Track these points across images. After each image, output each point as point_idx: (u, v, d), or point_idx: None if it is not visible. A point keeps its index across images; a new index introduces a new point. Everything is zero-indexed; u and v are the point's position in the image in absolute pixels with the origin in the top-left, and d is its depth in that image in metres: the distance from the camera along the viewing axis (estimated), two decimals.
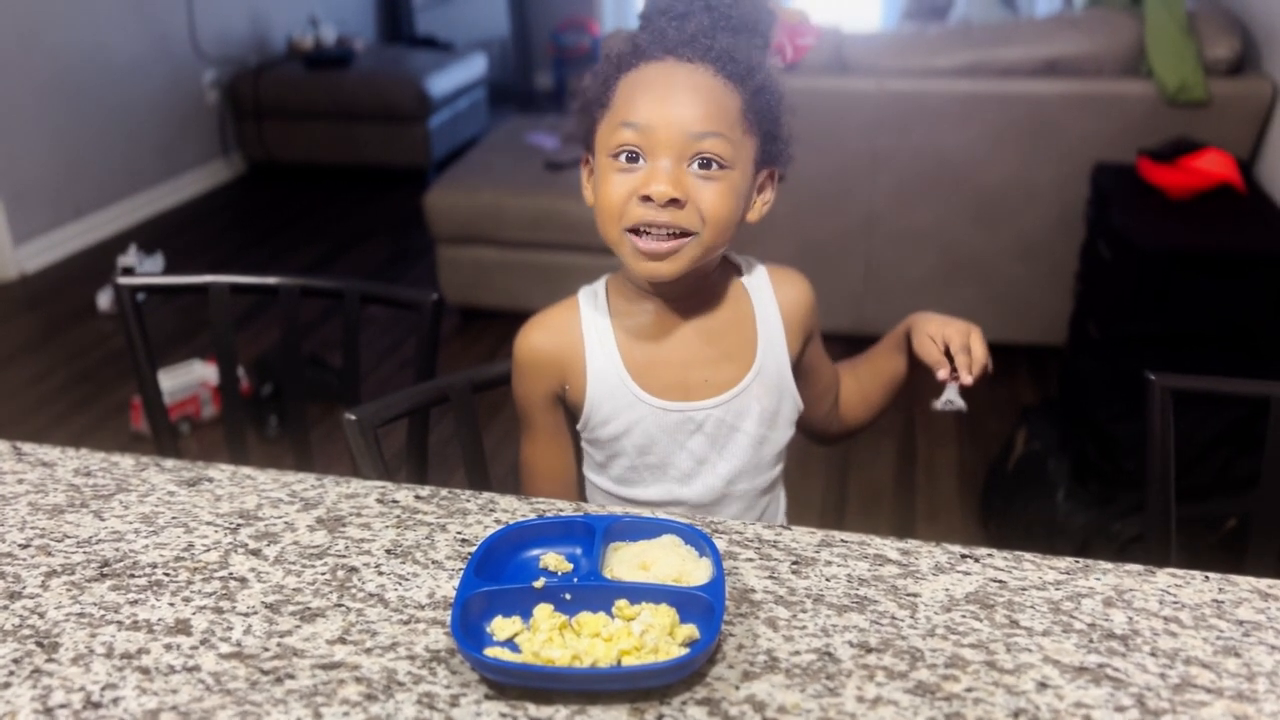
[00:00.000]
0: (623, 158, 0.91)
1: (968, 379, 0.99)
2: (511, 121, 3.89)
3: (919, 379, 1.11)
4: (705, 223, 0.91)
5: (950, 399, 0.99)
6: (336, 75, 4.68)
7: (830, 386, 1.14)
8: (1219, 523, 1.94)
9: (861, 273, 2.99)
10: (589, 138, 0.96)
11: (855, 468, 2.51)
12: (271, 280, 1.27)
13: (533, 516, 0.90)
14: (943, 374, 0.99)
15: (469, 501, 0.93)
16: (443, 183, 3.21)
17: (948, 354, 1.01)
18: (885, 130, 2.80)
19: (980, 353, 1.01)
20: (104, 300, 3.36)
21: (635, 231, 0.92)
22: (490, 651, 0.72)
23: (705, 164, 0.90)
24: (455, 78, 4.85)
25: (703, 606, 0.74)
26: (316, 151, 4.72)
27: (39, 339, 3.26)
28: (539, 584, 0.76)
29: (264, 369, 2.82)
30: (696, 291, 1.00)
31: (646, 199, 0.90)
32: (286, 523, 0.90)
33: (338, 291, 1.26)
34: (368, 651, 0.74)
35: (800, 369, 1.07)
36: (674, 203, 0.90)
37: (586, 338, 1.00)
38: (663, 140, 0.89)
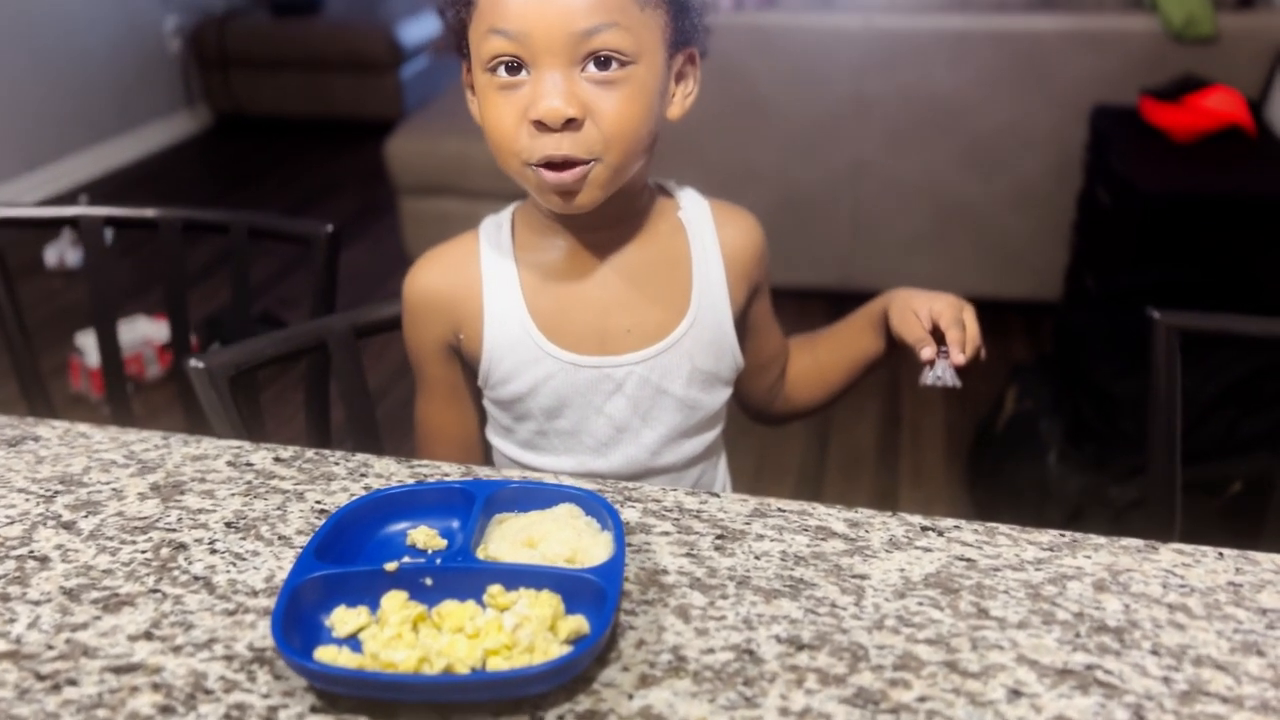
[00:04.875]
0: (501, 71, 0.75)
1: (960, 357, 0.81)
2: None
3: (899, 361, 0.95)
4: (609, 142, 0.75)
5: (939, 374, 0.82)
6: (305, 23, 4.48)
7: (776, 357, 0.98)
8: (1223, 487, 1.80)
9: (848, 224, 2.83)
10: (461, 44, 0.80)
11: (836, 429, 2.37)
12: (149, 213, 1.11)
13: (411, 482, 0.75)
14: (928, 353, 0.82)
15: (337, 465, 0.78)
16: (405, 130, 3.04)
17: (935, 333, 0.84)
18: (873, 71, 2.63)
19: (974, 329, 0.84)
20: (51, 256, 3.19)
21: (537, 165, 0.76)
22: (323, 652, 0.57)
23: (602, 64, 0.74)
24: (430, 25, 4.64)
25: (595, 593, 0.60)
26: (286, 103, 4.53)
27: None
28: (391, 567, 0.61)
29: (213, 328, 2.67)
30: (618, 222, 0.84)
31: (539, 124, 0.74)
32: (115, 489, 0.75)
33: (223, 225, 1.10)
34: (176, 650, 0.59)
35: (742, 329, 0.90)
36: (570, 123, 0.74)
37: (485, 277, 0.85)
38: (543, 46, 0.72)
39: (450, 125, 3.04)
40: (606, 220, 0.83)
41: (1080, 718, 0.54)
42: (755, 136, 2.72)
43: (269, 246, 1.23)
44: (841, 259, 2.87)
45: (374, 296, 3.27)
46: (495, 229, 0.87)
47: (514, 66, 0.74)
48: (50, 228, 1.16)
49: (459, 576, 0.61)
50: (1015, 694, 0.56)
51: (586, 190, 0.76)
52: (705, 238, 0.87)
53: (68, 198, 3.72)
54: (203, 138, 4.57)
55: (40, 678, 0.58)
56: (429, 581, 0.61)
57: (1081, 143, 2.55)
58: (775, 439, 2.31)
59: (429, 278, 0.86)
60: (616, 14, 0.73)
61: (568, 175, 0.75)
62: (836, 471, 2.26)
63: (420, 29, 4.55)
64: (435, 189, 3.00)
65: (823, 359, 0.97)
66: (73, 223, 1.12)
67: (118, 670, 0.58)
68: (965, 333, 0.83)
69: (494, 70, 0.75)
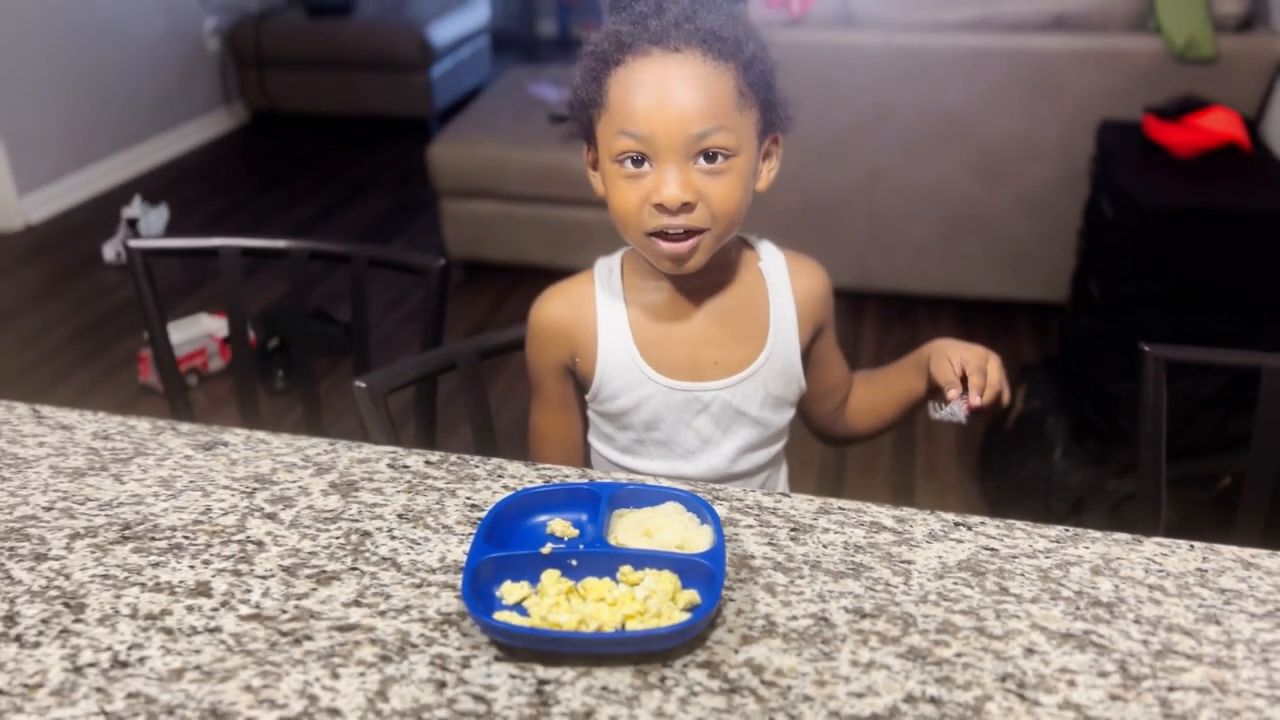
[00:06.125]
0: (628, 163, 0.92)
1: (977, 400, 0.99)
2: (514, 71, 3.86)
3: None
4: (717, 218, 0.93)
5: (952, 410, 1.00)
6: (338, 23, 4.63)
7: (838, 386, 1.16)
8: (1213, 481, 1.97)
9: (864, 229, 3.00)
10: (589, 134, 0.97)
11: None
12: (281, 244, 1.28)
13: (540, 483, 0.93)
14: (952, 394, 1.00)
15: (478, 467, 0.95)
16: (446, 136, 3.20)
17: (963, 379, 1.01)
18: (890, 85, 2.79)
19: (995, 378, 1.01)
20: (109, 251, 3.36)
21: (654, 234, 0.94)
22: (499, 615, 0.75)
23: (711, 158, 0.91)
24: (458, 25, 4.80)
25: (704, 573, 0.77)
26: (319, 101, 4.69)
27: (45, 291, 3.27)
28: (546, 550, 0.79)
29: (270, 323, 2.84)
30: (711, 272, 1.02)
31: (660, 207, 0.92)
32: (301, 487, 0.92)
33: (345, 255, 1.28)
34: (382, 614, 0.77)
35: (808, 361, 1.08)
36: (685, 206, 0.91)
37: (599, 313, 1.02)
38: (665, 146, 0.90)
39: (488, 132, 3.21)
40: (702, 270, 1.00)
41: (1079, 669, 0.72)
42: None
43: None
44: (858, 261, 3.04)
45: (417, 293, 3.41)
46: (607, 272, 1.04)
47: (638, 160, 0.92)
48: (198, 257, 1.33)
49: (598, 559, 0.79)
50: (1030, 652, 0.73)
51: (694, 256, 0.95)
52: (780, 285, 1.04)
53: (118, 194, 3.89)
54: (239, 134, 4.74)
55: (282, 634, 0.75)
56: (574, 562, 0.79)
57: (1088, 155, 2.70)
58: (798, 435, 2.48)
59: (553, 309, 1.04)
60: (723, 118, 0.90)
61: (684, 246, 0.93)
62: (855, 466, 2.43)
63: (450, 29, 4.70)
64: (473, 192, 3.17)
65: (877, 392, 1.16)
66: (213, 253, 1.30)
67: (341, 629, 0.76)
68: (986, 380, 1.00)
69: (621, 162, 0.92)
